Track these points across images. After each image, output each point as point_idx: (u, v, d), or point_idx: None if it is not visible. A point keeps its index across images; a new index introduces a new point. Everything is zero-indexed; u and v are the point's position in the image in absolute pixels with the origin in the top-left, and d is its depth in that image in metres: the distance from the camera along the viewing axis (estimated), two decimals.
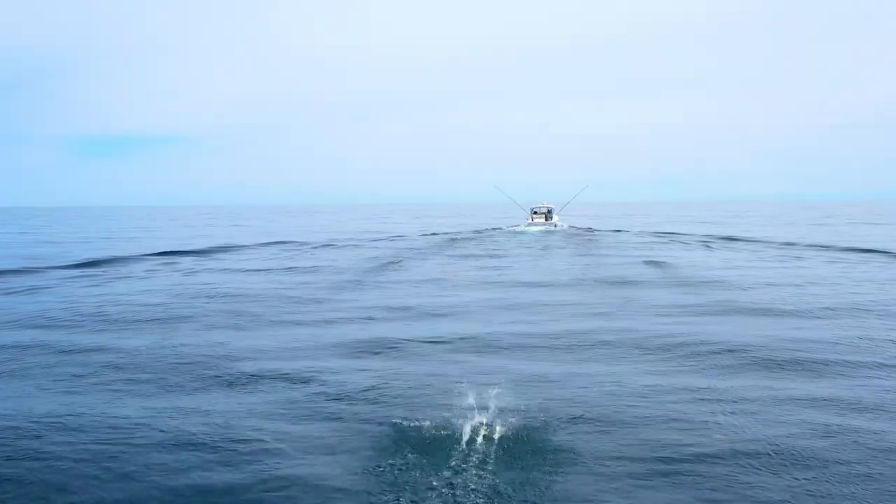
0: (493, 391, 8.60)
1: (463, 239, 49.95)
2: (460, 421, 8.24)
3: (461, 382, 9.28)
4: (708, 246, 39.96)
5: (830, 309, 17.28)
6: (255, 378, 11.04)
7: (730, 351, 12.67)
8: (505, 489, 6.75)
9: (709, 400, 9.62)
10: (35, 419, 8.91)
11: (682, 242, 43.94)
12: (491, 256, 35.34)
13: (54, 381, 10.94)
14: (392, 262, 31.75)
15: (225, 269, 28.83)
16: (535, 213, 63.76)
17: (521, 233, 56.56)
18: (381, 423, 8.65)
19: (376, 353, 12.94)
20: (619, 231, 57.01)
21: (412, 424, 8.37)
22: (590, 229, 59.87)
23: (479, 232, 59.64)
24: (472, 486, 6.75)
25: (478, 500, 6.47)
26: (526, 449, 7.74)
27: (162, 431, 8.49)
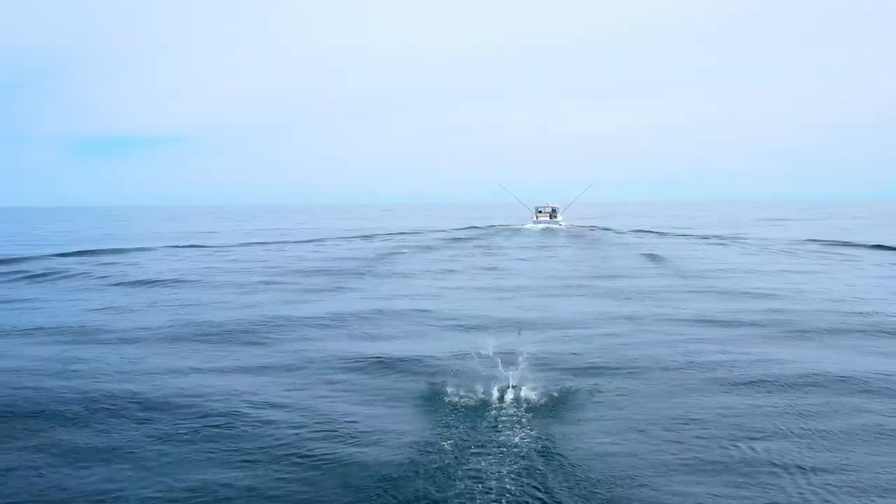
0: (519, 359, 9.19)
1: (471, 236, 50.36)
2: (490, 385, 8.86)
3: (488, 354, 9.84)
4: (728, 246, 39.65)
5: None
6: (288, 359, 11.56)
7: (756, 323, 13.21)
8: (536, 441, 7.32)
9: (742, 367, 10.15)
10: None
11: (700, 243, 44.33)
12: (501, 251, 35.83)
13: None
14: (398, 254, 32.27)
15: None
16: (540, 211, 64.57)
17: (527, 231, 57.09)
18: (423, 389, 9.37)
19: (404, 334, 13.57)
20: (640, 231, 56.45)
21: (450, 389, 9.05)
22: (605, 228, 60.39)
23: (484, 229, 60.14)
24: (506, 439, 7.33)
25: (513, 451, 7.02)
26: (549, 406, 8.41)
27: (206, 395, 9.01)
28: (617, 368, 10.34)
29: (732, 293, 18.38)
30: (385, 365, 10.74)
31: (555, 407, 8.42)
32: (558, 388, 9.06)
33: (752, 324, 13.91)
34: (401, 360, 11.03)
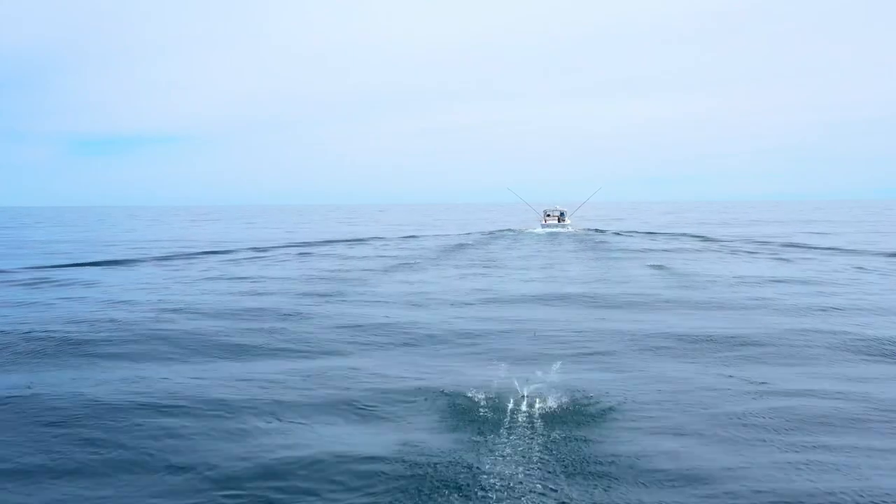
0: (554, 366, 9.65)
1: (480, 240, 50.10)
2: (510, 392, 9.22)
3: (500, 361, 10.20)
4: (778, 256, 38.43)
5: None
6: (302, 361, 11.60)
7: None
8: (552, 450, 7.56)
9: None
10: None
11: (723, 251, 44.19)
12: (512, 253, 35.67)
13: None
14: (412, 260, 32.20)
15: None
16: (549, 215, 64.85)
17: (536, 234, 57.19)
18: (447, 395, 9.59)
19: (424, 337, 13.82)
20: (670, 234, 54.67)
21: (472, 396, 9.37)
22: (630, 232, 60.30)
23: (492, 233, 59.89)
24: (523, 447, 7.61)
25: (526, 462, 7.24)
26: (572, 418, 8.61)
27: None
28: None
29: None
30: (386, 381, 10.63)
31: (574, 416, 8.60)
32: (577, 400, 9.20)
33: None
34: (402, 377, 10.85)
